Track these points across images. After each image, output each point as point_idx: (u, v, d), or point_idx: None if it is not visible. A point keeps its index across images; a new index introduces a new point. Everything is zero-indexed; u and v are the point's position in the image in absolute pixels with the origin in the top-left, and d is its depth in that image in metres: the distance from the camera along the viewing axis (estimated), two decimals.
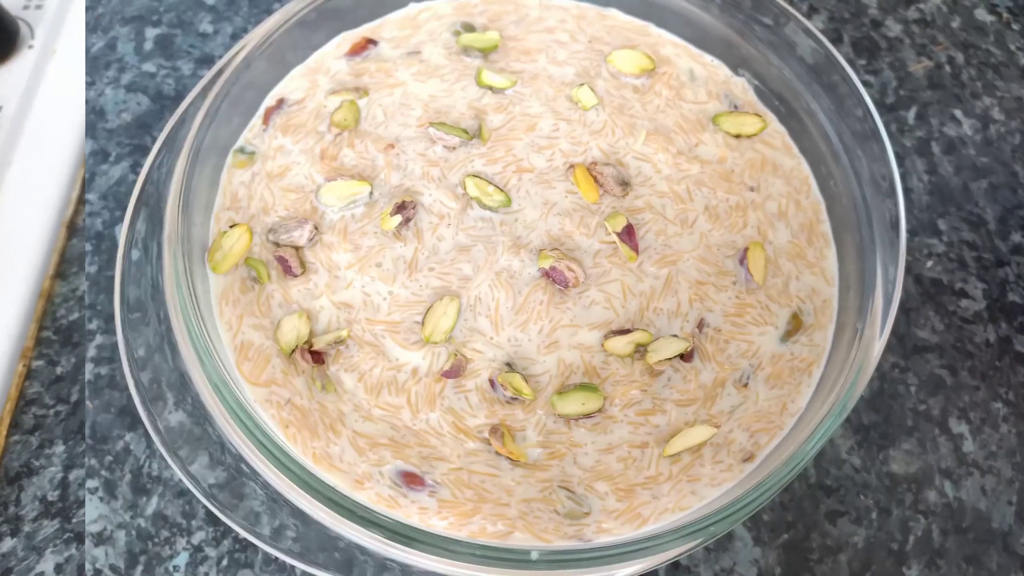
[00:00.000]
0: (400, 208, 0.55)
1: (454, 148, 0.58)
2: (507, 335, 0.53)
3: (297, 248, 0.54)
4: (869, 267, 0.55)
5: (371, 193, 0.56)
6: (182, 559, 0.57)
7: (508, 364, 0.52)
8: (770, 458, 0.51)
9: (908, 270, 0.71)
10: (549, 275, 0.54)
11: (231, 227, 0.54)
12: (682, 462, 0.51)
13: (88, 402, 0.59)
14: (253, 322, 0.52)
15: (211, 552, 0.57)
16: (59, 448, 0.59)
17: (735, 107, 0.63)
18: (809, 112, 0.60)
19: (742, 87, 0.64)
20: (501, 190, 0.57)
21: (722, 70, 0.64)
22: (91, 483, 0.59)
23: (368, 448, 0.49)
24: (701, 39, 0.65)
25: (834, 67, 0.60)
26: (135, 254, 0.52)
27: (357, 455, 0.49)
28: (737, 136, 0.61)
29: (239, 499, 0.48)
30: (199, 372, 0.48)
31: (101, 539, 0.57)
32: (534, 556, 0.44)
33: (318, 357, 0.51)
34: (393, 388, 0.51)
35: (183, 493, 0.58)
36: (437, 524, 0.48)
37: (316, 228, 0.54)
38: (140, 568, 0.56)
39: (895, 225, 0.55)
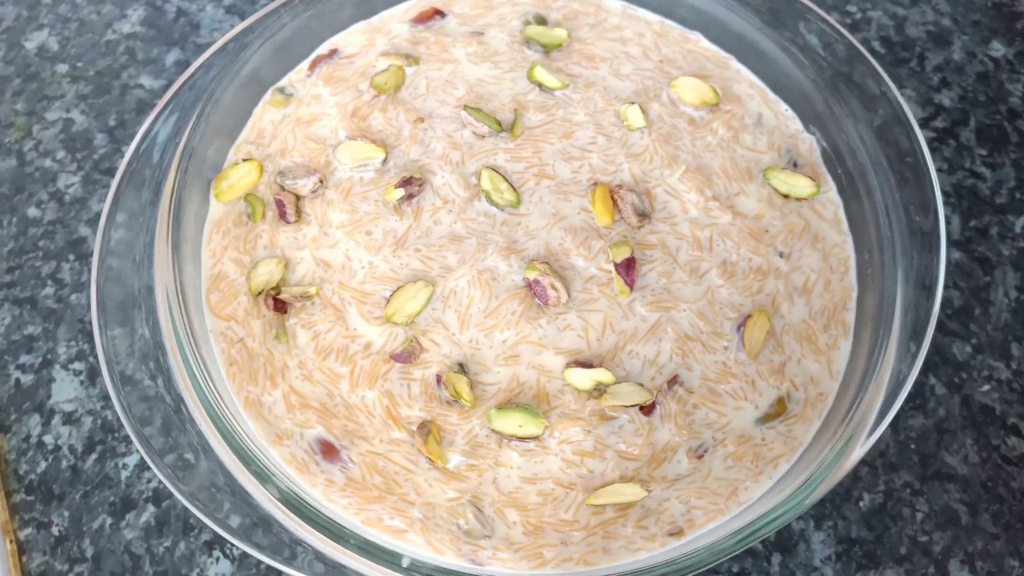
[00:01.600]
0: (406, 182, 0.54)
1: (483, 137, 0.57)
2: (470, 335, 0.51)
3: (298, 196, 0.54)
4: (879, 371, 0.49)
5: (385, 160, 0.55)
6: (133, 459, 0.59)
7: (461, 365, 0.50)
8: (699, 540, 0.47)
9: (959, 389, 0.63)
10: (531, 287, 0.52)
11: (245, 160, 0.55)
12: (604, 516, 0.48)
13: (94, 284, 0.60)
14: (235, 256, 0.53)
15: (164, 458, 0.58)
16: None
17: (794, 164, 0.58)
18: (870, 190, 0.55)
19: (809, 145, 0.59)
20: (514, 189, 0.55)
21: (793, 123, 0.59)
22: (78, 365, 0.62)
23: (298, 407, 0.49)
24: (781, 85, 0.60)
25: (916, 153, 0.54)
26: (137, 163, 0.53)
27: (286, 411, 0.49)
28: (785, 196, 0.56)
29: (167, 437, 0.48)
30: (163, 289, 0.49)
31: (70, 419, 0.60)
32: (405, 563, 0.43)
33: (281, 305, 0.51)
34: (341, 356, 0.50)
35: (146, 399, 0.60)
36: (338, 501, 0.47)
37: (322, 181, 0.54)
38: (94, 456, 0.59)
39: (920, 332, 0.50)
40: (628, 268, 0.52)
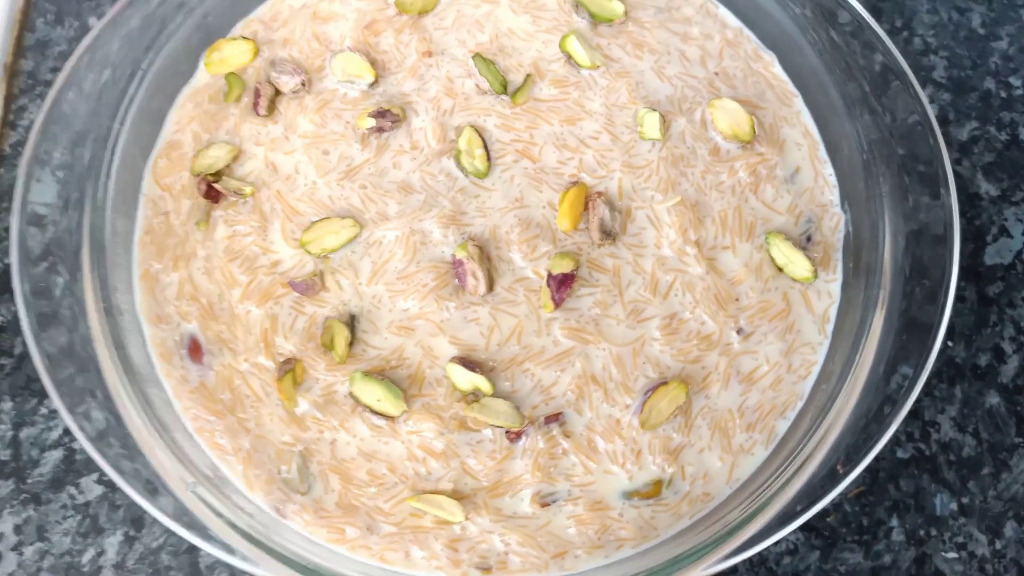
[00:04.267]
0: (381, 114, 0.51)
1: (483, 93, 0.52)
2: (375, 291, 0.48)
3: (278, 92, 0.52)
4: (773, 498, 0.43)
5: (374, 83, 0.52)
6: None
7: (353, 316, 0.48)
8: None
9: (920, 544, 0.55)
10: (455, 266, 0.48)
11: (244, 38, 0.53)
12: (420, 520, 0.45)
13: None
14: (195, 130, 0.52)
15: (44, 298, 0.56)
16: (7, 405, 0.54)
17: (808, 239, 0.50)
18: (872, 304, 0.46)
19: (836, 224, 0.50)
20: (488, 159, 0.50)
21: (831, 193, 0.51)
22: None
23: (187, 297, 0.49)
24: (838, 146, 0.51)
25: (941, 273, 0.45)
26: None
27: (176, 296, 0.49)
28: (779, 269, 0.49)
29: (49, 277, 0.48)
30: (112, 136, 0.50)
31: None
32: (191, 486, 0.43)
33: (213, 193, 0.50)
34: (247, 265, 0.49)
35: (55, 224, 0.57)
36: (182, 401, 0.47)
37: (304, 84, 0.52)
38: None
39: (836, 479, 0.42)
40: (561, 284, 0.47)
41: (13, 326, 0.55)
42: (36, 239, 0.47)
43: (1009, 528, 0.55)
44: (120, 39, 0.51)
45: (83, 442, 0.43)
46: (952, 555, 0.55)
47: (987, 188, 0.61)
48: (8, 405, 0.54)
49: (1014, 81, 0.64)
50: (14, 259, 0.46)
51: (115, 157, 0.50)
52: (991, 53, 0.64)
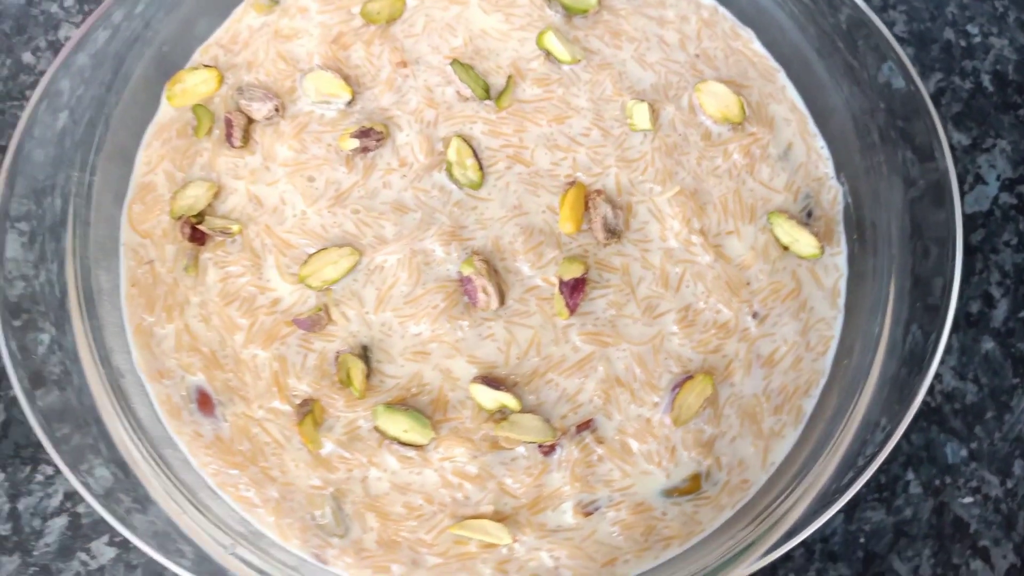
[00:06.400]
0: (365, 133, 0.49)
1: (465, 99, 0.50)
2: (383, 319, 0.47)
3: (250, 120, 0.50)
4: (813, 479, 0.43)
5: (351, 102, 0.50)
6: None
7: (365, 348, 0.46)
8: None
9: (937, 493, 0.56)
10: (463, 284, 0.47)
11: (206, 66, 0.51)
12: (465, 548, 0.44)
13: None
14: (168, 169, 0.49)
15: (39, 356, 0.54)
16: None
17: (808, 214, 0.50)
18: (881, 272, 0.47)
19: (833, 197, 0.50)
20: (480, 168, 0.49)
21: (825, 166, 0.51)
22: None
23: (187, 348, 0.47)
24: (826, 118, 0.51)
25: (947, 231, 0.46)
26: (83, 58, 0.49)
27: (174, 348, 0.47)
28: (785, 248, 0.49)
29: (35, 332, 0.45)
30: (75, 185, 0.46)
31: None
32: (228, 549, 0.41)
33: (198, 236, 0.48)
34: (246, 307, 0.47)
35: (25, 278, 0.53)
36: (199, 457, 0.45)
37: (278, 109, 0.50)
38: None
39: (874, 452, 0.43)
40: (574, 289, 0.47)
41: None
42: (16, 286, 0.44)
43: (1017, 467, 0.57)
44: (73, 79, 0.47)
45: (91, 501, 0.41)
46: (968, 500, 0.57)
47: (958, 138, 0.62)
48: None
49: (971, 29, 0.65)
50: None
51: (87, 206, 0.47)
52: (947, 3, 0.65)
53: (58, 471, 0.50)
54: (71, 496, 0.51)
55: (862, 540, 0.55)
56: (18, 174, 0.45)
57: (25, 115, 0.45)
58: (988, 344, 0.59)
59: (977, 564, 0.56)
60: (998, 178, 0.61)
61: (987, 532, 0.56)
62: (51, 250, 0.46)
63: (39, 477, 0.51)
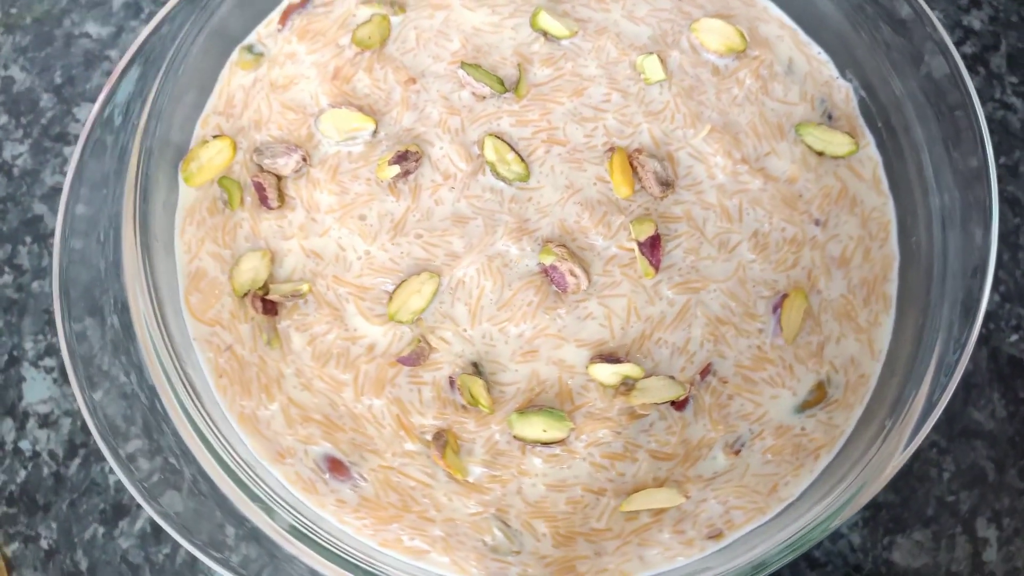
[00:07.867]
0: (402, 157, 0.48)
1: (483, 98, 0.50)
2: (482, 330, 0.46)
3: (280, 177, 0.48)
4: (924, 353, 0.46)
5: (375, 132, 0.49)
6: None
7: (475, 364, 0.46)
8: (740, 543, 0.45)
9: (986, 341, 0.60)
10: (547, 274, 0.47)
11: (215, 137, 0.48)
12: (638, 522, 0.45)
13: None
14: (213, 250, 0.47)
15: (144, 464, 0.54)
16: None
17: (829, 117, 0.52)
18: (915, 146, 0.49)
19: (845, 95, 0.53)
20: (522, 159, 0.49)
21: (827, 69, 0.53)
22: (48, 361, 0.56)
23: (300, 421, 0.45)
24: (814, 26, 0.53)
25: (960, 94, 0.49)
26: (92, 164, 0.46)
27: (286, 425, 0.45)
28: (820, 153, 0.51)
29: (148, 439, 0.44)
30: (138, 294, 0.44)
31: (46, 422, 0.55)
32: None
33: (270, 307, 0.46)
34: (343, 361, 0.45)
35: (125, 396, 0.55)
36: (351, 523, 0.44)
37: (305, 159, 0.48)
38: (77, 461, 0.55)
39: (971, 309, 0.46)
40: (653, 247, 0.47)
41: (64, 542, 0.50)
42: (117, 405, 0.42)
43: None
44: (89, 189, 0.45)
45: None
46: (1014, 338, 0.61)
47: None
48: None
49: None
50: (106, 449, 0.41)
51: (145, 317, 0.44)
52: None
53: None
54: None
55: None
56: (70, 286, 0.43)
57: (56, 245, 0.42)
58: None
59: None
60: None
61: None
62: (125, 362, 0.43)
63: None
